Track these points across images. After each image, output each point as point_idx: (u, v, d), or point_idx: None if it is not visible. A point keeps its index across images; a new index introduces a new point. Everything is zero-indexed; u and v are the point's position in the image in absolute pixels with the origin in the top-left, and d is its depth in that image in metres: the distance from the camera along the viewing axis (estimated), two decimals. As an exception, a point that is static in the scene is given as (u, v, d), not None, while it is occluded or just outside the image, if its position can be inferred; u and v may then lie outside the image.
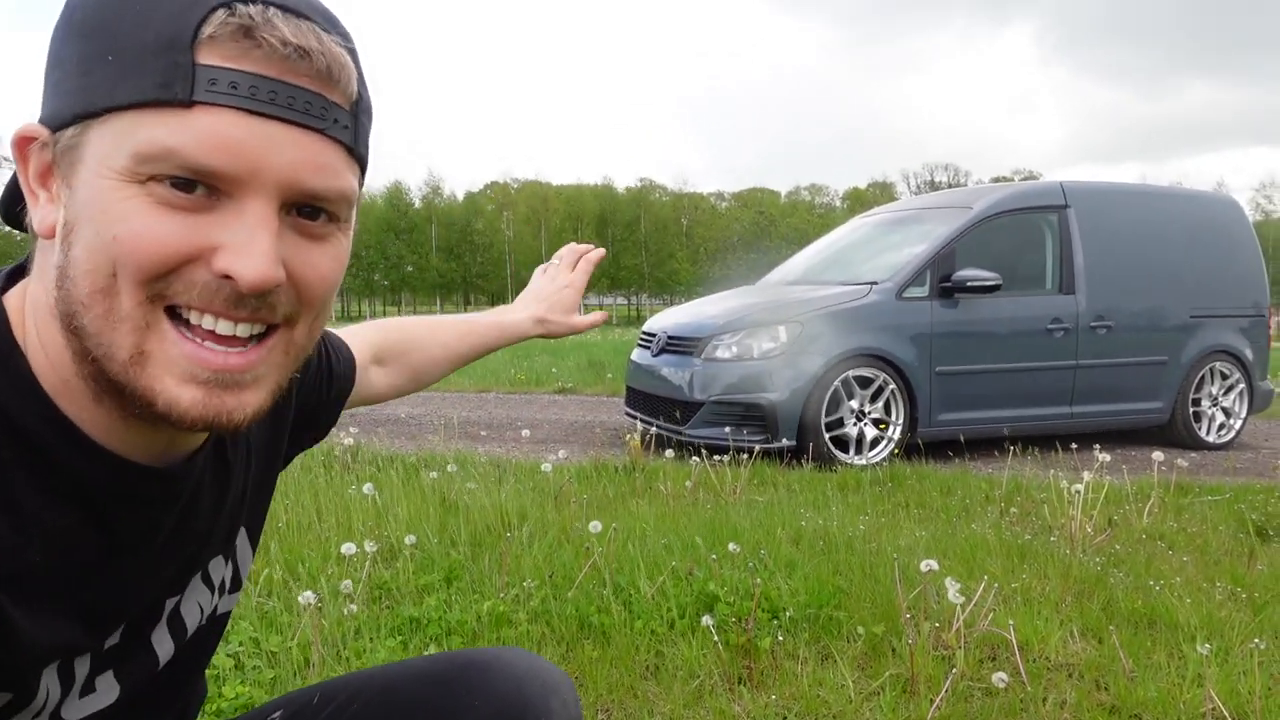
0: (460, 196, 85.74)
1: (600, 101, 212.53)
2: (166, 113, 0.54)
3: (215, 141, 0.55)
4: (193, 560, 0.75)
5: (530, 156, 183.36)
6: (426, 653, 2.17)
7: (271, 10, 0.56)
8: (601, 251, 1.28)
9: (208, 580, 0.77)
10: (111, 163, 0.55)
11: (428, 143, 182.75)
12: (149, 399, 0.58)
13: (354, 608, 2.27)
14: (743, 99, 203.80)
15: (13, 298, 0.64)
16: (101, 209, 0.55)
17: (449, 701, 0.76)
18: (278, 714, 0.82)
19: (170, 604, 0.73)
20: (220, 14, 0.55)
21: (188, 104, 0.54)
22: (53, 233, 0.59)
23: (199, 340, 0.58)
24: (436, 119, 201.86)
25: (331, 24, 0.60)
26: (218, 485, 0.75)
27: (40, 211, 0.60)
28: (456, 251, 78.06)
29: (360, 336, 1.08)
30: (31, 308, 0.62)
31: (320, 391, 0.94)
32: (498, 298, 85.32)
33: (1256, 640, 2.24)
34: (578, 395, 9.58)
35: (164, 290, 0.57)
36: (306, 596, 1.97)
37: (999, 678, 1.92)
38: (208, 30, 0.55)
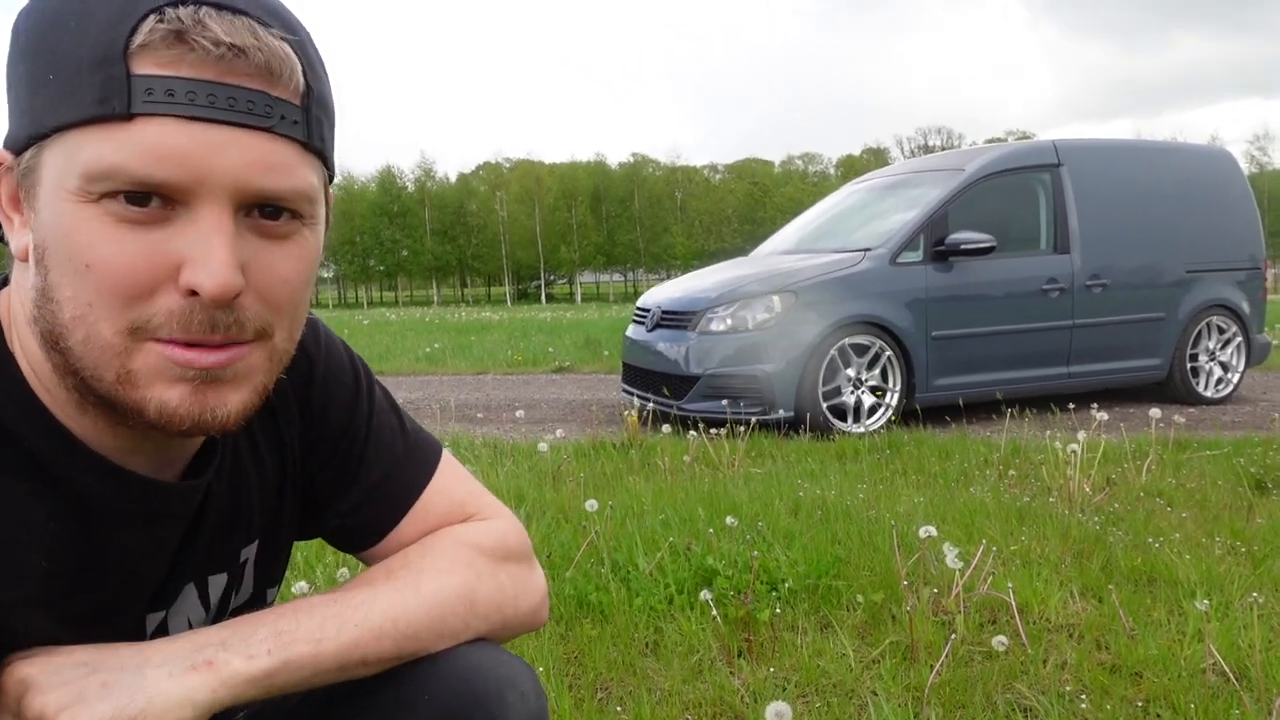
0: (453, 178, 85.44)
1: (590, 78, 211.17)
2: (108, 128, 0.53)
3: (158, 152, 0.53)
4: (185, 578, 0.74)
5: (522, 136, 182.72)
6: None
7: (204, 10, 0.54)
8: None
9: (204, 597, 0.76)
10: (65, 184, 0.55)
11: (419, 126, 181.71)
12: (140, 409, 0.58)
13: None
14: (733, 70, 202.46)
15: (2, 304, 0.65)
16: (66, 235, 0.55)
17: (395, 693, 0.73)
18: (242, 715, 0.80)
19: (154, 620, 0.73)
20: (150, 21, 0.53)
21: (127, 117, 0.53)
22: (26, 256, 0.59)
23: (178, 346, 0.58)
24: (427, 102, 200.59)
25: (273, 15, 0.58)
26: (227, 507, 0.75)
27: (15, 236, 0.60)
28: (451, 234, 77.86)
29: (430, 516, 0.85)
30: (13, 320, 0.63)
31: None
32: (493, 279, 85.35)
33: (1255, 594, 2.24)
34: (575, 374, 9.56)
35: (143, 324, 0.56)
36: (300, 587, 1.96)
37: (999, 641, 1.92)
38: (139, 39, 0.53)
